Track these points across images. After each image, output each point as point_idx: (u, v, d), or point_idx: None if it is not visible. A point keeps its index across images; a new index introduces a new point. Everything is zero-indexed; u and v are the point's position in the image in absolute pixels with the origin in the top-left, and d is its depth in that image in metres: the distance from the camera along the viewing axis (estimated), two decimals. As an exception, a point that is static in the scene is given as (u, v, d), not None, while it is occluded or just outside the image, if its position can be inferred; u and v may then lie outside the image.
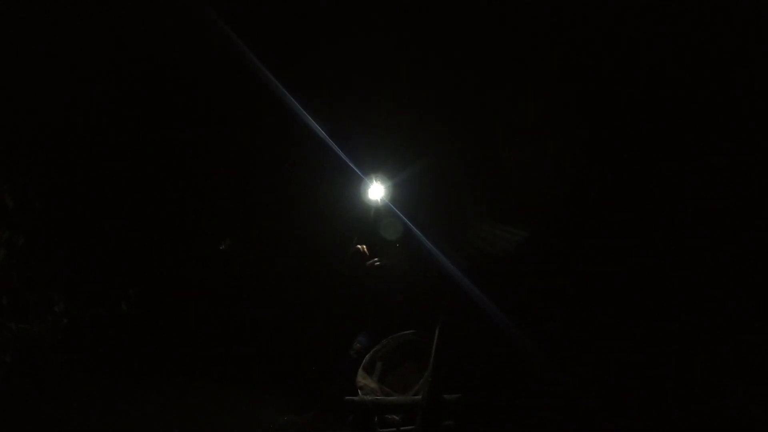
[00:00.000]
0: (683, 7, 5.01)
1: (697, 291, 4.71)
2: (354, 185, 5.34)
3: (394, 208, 5.23)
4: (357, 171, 5.30)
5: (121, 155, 5.80)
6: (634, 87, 5.27)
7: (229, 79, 5.63)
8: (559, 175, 5.37)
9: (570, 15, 5.38)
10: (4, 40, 5.07)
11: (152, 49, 5.51)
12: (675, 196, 5.07)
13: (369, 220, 5.31)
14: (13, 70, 5.20)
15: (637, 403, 4.34)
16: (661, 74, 5.21)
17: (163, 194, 5.88)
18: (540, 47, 5.48)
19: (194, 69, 5.66)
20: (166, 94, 5.74)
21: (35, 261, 4.98)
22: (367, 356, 4.76)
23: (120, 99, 5.69)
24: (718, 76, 4.99)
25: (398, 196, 5.28)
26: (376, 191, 5.27)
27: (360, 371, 4.66)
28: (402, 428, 4.22)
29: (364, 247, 5.24)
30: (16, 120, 5.29)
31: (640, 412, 4.29)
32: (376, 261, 5.18)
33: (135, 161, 5.83)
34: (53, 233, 5.29)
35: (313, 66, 5.69)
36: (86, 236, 5.61)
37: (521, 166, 5.54)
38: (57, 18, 5.27)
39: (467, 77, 5.64)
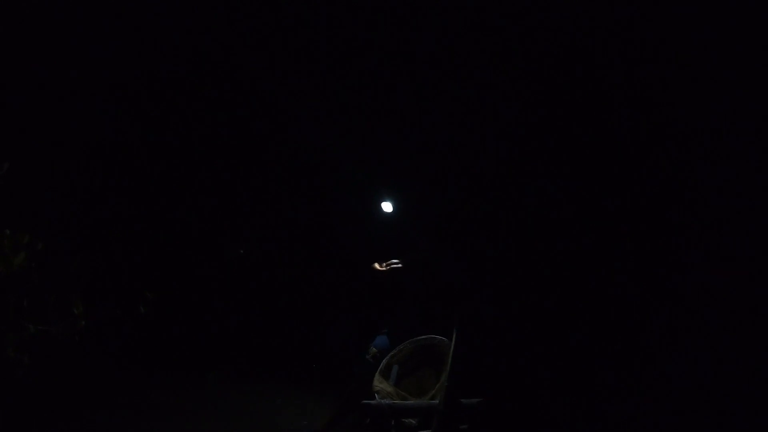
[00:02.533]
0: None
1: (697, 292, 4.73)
2: (369, 195, 5.38)
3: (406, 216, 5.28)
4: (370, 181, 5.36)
5: (140, 161, 5.84)
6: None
7: (254, 93, 5.66)
8: (562, 181, 5.39)
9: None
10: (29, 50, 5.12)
11: (177, 60, 5.54)
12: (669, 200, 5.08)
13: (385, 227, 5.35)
14: (33, 76, 5.24)
15: (653, 405, 4.36)
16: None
17: (183, 198, 5.92)
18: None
19: (222, 81, 5.69)
20: (186, 104, 5.77)
21: (54, 263, 5.01)
22: (384, 360, 4.80)
23: (138, 106, 5.72)
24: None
25: (410, 205, 5.32)
26: (389, 202, 5.33)
27: (376, 375, 4.69)
28: (419, 432, 4.25)
29: (379, 265, 5.26)
30: (34, 125, 5.32)
31: (656, 413, 4.30)
32: (396, 263, 5.21)
33: (154, 167, 5.86)
34: (73, 236, 5.33)
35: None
36: (105, 239, 5.66)
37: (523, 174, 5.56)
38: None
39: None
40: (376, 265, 5.21)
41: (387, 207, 5.37)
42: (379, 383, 4.63)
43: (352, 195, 5.59)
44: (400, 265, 5.23)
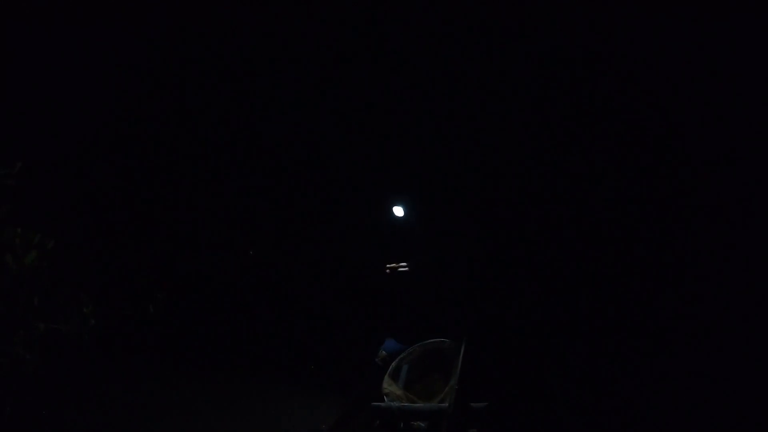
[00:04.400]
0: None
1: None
2: (381, 204, 5.43)
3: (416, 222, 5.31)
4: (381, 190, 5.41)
5: (152, 163, 5.85)
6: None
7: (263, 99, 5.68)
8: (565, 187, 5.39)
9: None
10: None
11: (192, 64, 5.55)
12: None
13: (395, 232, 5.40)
14: (46, 79, 5.26)
15: (657, 408, 4.35)
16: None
17: (195, 200, 5.93)
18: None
19: (237, 86, 5.71)
20: (200, 107, 5.78)
21: (65, 263, 5.02)
22: (393, 363, 4.81)
23: (152, 109, 5.74)
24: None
25: (420, 211, 5.36)
26: (400, 208, 5.38)
27: (386, 378, 4.69)
28: (428, 435, 4.25)
29: (391, 266, 5.30)
30: (47, 126, 5.34)
31: (659, 416, 4.30)
32: (403, 266, 5.23)
33: (167, 169, 5.87)
34: (83, 236, 5.35)
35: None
36: (116, 239, 5.67)
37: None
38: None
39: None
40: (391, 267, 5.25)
41: (398, 211, 5.41)
42: (388, 386, 4.63)
43: (364, 198, 5.60)
44: (405, 267, 5.25)
